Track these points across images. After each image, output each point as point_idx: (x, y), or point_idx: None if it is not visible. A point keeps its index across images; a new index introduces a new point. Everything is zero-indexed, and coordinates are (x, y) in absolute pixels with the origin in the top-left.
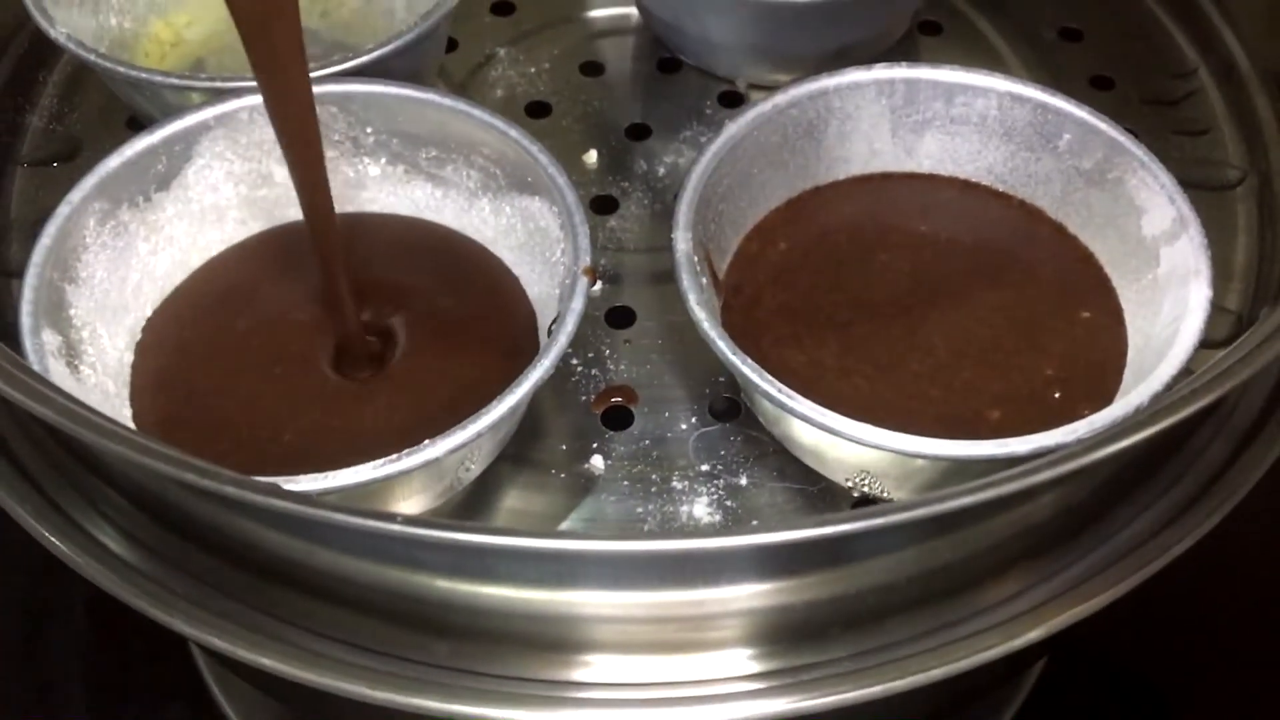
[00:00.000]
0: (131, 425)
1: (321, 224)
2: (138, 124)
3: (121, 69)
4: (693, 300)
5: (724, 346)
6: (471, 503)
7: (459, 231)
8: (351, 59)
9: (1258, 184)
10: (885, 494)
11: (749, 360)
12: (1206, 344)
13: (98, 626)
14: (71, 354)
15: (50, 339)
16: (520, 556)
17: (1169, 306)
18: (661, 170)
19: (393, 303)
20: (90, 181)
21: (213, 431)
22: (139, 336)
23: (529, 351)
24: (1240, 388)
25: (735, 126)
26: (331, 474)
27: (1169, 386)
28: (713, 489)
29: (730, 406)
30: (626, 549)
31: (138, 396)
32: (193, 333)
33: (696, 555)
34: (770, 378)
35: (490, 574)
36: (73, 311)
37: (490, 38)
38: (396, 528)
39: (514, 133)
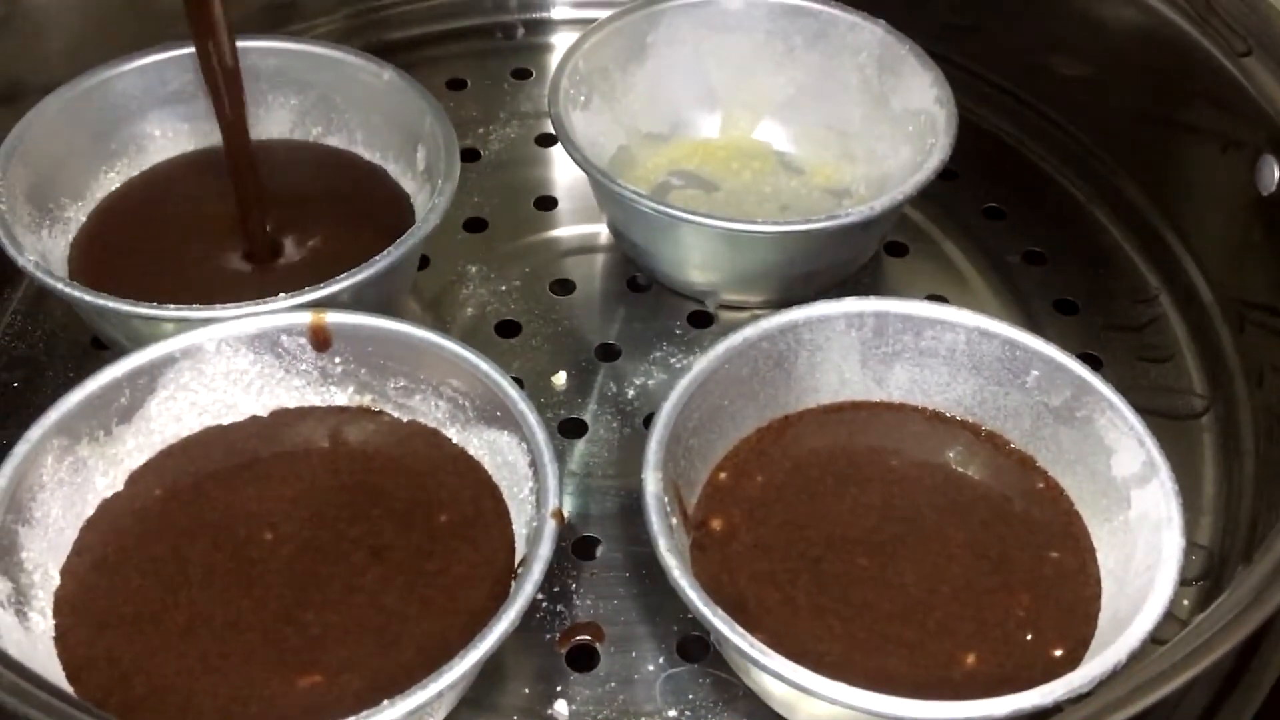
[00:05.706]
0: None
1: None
2: (101, 343)
3: (89, 298)
4: (663, 546)
5: (694, 596)
6: None
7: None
8: (323, 288)
9: (1223, 414)
10: None
11: (719, 611)
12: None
13: None
14: (21, 600)
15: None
16: None
17: (1142, 552)
18: (631, 392)
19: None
20: (50, 418)
21: (160, 689)
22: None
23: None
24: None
25: (704, 361)
26: None
27: (1145, 642)
28: None
29: (700, 645)
30: None
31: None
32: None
33: None
34: (741, 631)
35: None
36: (25, 555)
37: (462, 255)
38: None
39: (485, 366)
